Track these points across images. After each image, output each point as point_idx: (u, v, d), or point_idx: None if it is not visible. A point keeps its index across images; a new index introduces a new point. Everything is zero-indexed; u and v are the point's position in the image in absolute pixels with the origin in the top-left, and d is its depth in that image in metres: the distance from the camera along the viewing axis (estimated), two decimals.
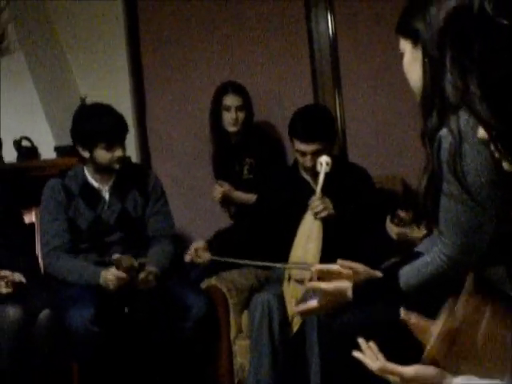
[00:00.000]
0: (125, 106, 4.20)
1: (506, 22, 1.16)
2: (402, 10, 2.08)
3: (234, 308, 3.38)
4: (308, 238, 3.20)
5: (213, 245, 3.29)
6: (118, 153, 3.31)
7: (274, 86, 4.23)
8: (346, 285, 2.16)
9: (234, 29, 4.29)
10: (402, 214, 2.86)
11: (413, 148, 3.88)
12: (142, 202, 3.43)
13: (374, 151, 4.12)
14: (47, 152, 4.03)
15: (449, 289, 1.92)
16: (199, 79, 4.33)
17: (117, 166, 3.34)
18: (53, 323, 3.09)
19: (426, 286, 1.98)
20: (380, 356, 1.68)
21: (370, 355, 1.67)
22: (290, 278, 3.18)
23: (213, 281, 3.42)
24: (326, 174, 3.22)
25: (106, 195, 3.40)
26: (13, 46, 4.03)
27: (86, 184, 3.40)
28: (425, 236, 2.72)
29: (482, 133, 1.35)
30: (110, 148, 3.29)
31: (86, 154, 3.34)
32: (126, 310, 3.28)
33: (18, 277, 3.13)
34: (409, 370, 1.49)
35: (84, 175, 3.41)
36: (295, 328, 3.13)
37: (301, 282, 3.15)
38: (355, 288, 2.13)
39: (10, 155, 3.99)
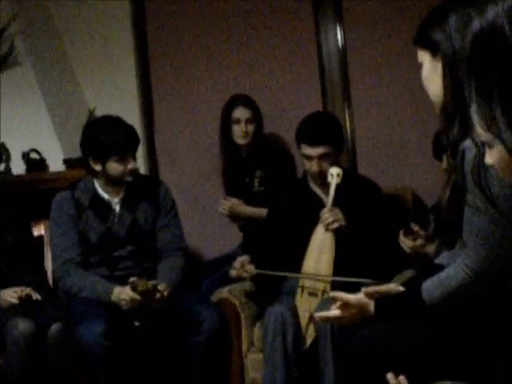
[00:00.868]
0: (133, 118, 4.18)
1: None
2: (420, 21, 2.07)
3: (246, 321, 3.36)
4: (320, 249, 3.19)
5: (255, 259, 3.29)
6: (131, 165, 3.29)
7: (283, 99, 4.22)
8: (368, 300, 2.14)
9: (243, 41, 4.29)
10: (415, 227, 2.85)
11: (423, 160, 3.88)
12: (153, 213, 3.41)
13: (383, 163, 4.11)
14: (56, 164, 4.02)
15: (475, 302, 1.92)
16: (208, 92, 4.32)
17: (129, 179, 3.32)
18: (63, 337, 3.07)
19: (450, 298, 1.96)
20: None
21: None
22: (303, 291, 3.16)
23: (224, 294, 3.40)
24: (337, 186, 3.21)
25: (117, 207, 3.38)
26: (21, 59, 4.03)
27: (96, 196, 3.37)
28: (436, 249, 2.72)
29: (488, 159, 1.35)
30: (122, 160, 3.27)
31: (98, 167, 3.31)
32: (137, 323, 3.25)
33: (30, 292, 3.13)
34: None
35: (94, 187, 3.38)
36: (309, 341, 3.11)
37: (314, 294, 3.14)
38: (378, 302, 2.11)
39: (19, 167, 3.98)
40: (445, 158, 3.21)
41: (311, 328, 3.10)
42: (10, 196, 3.62)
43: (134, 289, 3.08)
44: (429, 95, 2.09)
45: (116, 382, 3.10)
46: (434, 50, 2.00)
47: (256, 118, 3.91)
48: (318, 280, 3.16)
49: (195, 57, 4.35)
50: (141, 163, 4.18)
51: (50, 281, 3.50)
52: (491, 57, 1.20)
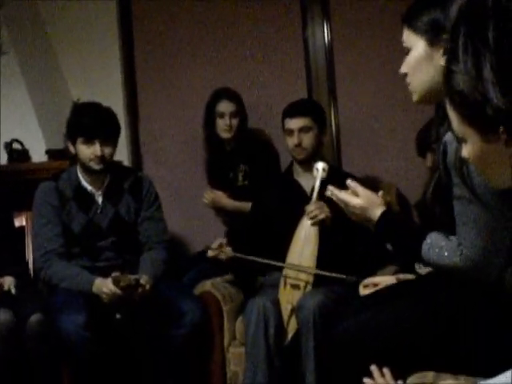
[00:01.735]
0: (117, 111, 4.11)
1: None
2: (413, 2, 1.98)
3: (228, 314, 3.35)
4: (304, 242, 3.19)
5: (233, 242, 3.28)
6: (99, 151, 3.22)
7: (268, 94, 4.22)
8: (379, 201, 2.08)
9: (228, 36, 4.28)
10: None
11: (407, 157, 3.90)
12: (136, 206, 3.39)
13: (367, 160, 4.12)
14: (38, 155, 4.00)
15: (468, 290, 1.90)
16: (193, 86, 4.31)
17: (96, 166, 3.26)
18: (43, 327, 3.03)
19: (441, 270, 1.93)
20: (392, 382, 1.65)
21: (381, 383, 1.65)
22: (285, 284, 3.16)
23: (207, 287, 3.39)
24: (322, 181, 3.21)
25: (99, 199, 3.36)
26: (5, 49, 3.99)
27: (80, 187, 3.34)
28: None
29: (464, 153, 1.35)
30: (89, 143, 3.23)
31: (72, 149, 3.30)
32: (118, 316, 3.23)
33: (8, 283, 3.10)
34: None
35: (78, 178, 3.36)
36: (290, 334, 3.10)
37: (297, 287, 3.14)
38: (384, 214, 2.04)
39: (1, 158, 3.96)
40: (429, 155, 3.23)
41: (293, 321, 3.09)
42: None
43: (116, 283, 3.06)
44: (411, 82, 2.00)
45: (98, 374, 3.08)
46: (433, 37, 1.92)
47: (240, 112, 3.91)
48: (299, 271, 3.16)
49: (180, 51, 4.34)
50: (125, 156, 4.17)
51: (31, 271, 3.48)
52: (478, 15, 1.20)
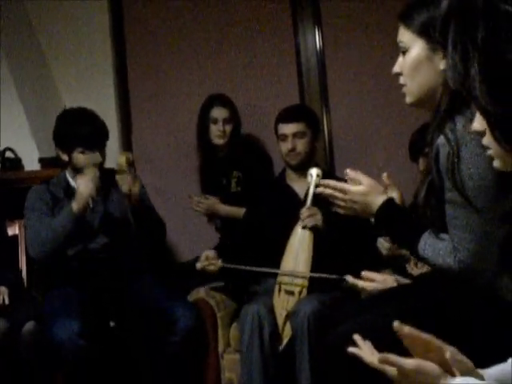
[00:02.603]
0: (110, 118, 4.16)
1: (510, 9, 1.16)
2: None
3: (222, 321, 3.34)
4: (299, 248, 3.19)
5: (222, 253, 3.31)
6: (96, 158, 3.26)
7: (261, 100, 4.22)
8: (382, 189, 2.06)
9: (220, 42, 4.29)
10: None
11: (400, 161, 3.90)
12: (124, 201, 3.37)
13: (361, 165, 4.10)
14: (31, 163, 3.99)
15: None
16: (185, 92, 4.31)
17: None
18: (37, 336, 3.03)
19: (435, 268, 1.93)
20: (376, 352, 1.64)
21: (366, 351, 1.63)
22: (280, 290, 3.16)
23: (201, 294, 3.38)
24: (316, 186, 3.21)
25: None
26: None
27: (69, 187, 3.37)
28: None
29: (476, 126, 1.35)
30: (87, 152, 3.27)
31: (65, 157, 3.33)
32: (112, 323, 3.23)
33: (2, 293, 3.09)
34: (410, 362, 1.42)
35: (66, 179, 3.41)
36: (285, 340, 3.10)
37: (291, 293, 3.14)
38: (387, 202, 2.02)
39: None
40: (421, 159, 3.23)
41: (288, 327, 3.09)
42: None
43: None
44: (404, 83, 1.97)
45: (92, 381, 3.07)
46: (434, 40, 1.82)
47: (234, 117, 3.91)
48: (292, 276, 3.16)
49: (173, 56, 4.34)
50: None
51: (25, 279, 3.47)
52: (468, 13, 1.20)
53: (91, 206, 3.19)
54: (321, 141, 3.88)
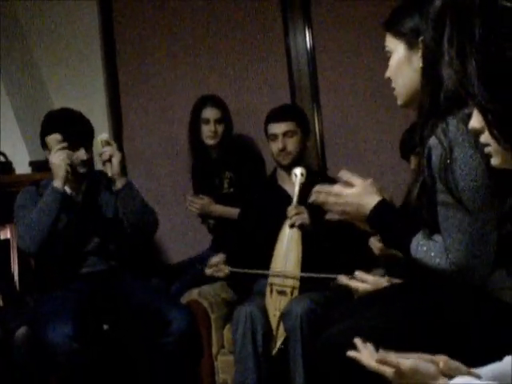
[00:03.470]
0: (101, 120, 4.17)
1: (509, 5, 1.16)
2: (395, 8, 2.01)
3: (216, 323, 3.33)
4: (288, 247, 3.19)
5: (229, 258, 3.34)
6: (80, 155, 3.25)
7: (252, 100, 4.22)
8: (375, 190, 2.04)
9: (212, 43, 4.28)
10: None
11: (391, 160, 3.90)
12: (114, 199, 3.36)
13: (351, 164, 4.12)
14: (22, 167, 3.97)
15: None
16: (176, 93, 4.31)
17: (81, 170, 3.29)
18: (30, 340, 3.02)
19: (428, 270, 1.92)
20: (376, 355, 1.63)
21: (366, 354, 1.63)
22: (272, 290, 3.16)
23: (194, 295, 3.38)
24: (303, 185, 3.21)
25: (79, 200, 3.35)
26: None
27: None
28: None
29: (472, 123, 1.34)
30: (69, 149, 3.23)
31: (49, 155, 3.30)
32: (106, 327, 3.23)
33: None
34: (407, 362, 1.42)
35: None
36: (279, 341, 3.10)
37: (283, 293, 3.14)
38: (380, 202, 2.01)
39: None
40: (412, 158, 3.23)
41: (281, 327, 3.08)
42: None
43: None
44: (395, 86, 2.03)
45: None
46: (411, 41, 1.94)
47: (225, 118, 3.91)
48: (287, 278, 3.16)
49: (164, 57, 4.33)
50: None
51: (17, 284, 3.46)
52: (465, 9, 1.20)
53: (69, 172, 3.16)
54: (312, 140, 3.88)
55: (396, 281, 2.40)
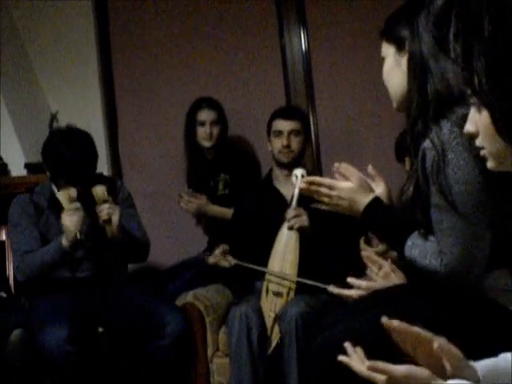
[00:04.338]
0: (96, 122, 4.17)
1: None
2: (389, 15, 2.06)
3: (211, 325, 3.33)
4: (285, 249, 3.19)
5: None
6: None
7: (248, 102, 4.22)
8: (370, 187, 2.05)
9: (207, 44, 4.28)
10: (372, 238, 2.80)
11: (386, 162, 3.90)
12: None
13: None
14: (17, 169, 3.96)
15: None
16: (172, 95, 4.30)
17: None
18: (25, 343, 3.02)
19: (422, 270, 1.92)
20: (366, 361, 1.63)
21: (356, 359, 1.63)
22: (267, 292, 3.16)
23: (189, 298, 3.37)
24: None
25: None
26: None
27: (53, 197, 3.31)
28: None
29: (468, 127, 1.34)
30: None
31: (49, 174, 3.32)
32: (101, 329, 3.22)
33: None
34: (400, 368, 1.41)
35: (51, 189, 3.34)
36: (274, 342, 3.09)
37: (279, 294, 3.13)
38: (374, 200, 2.02)
39: None
40: (407, 160, 3.23)
41: (276, 329, 3.08)
42: None
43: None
44: (388, 90, 2.07)
45: None
46: (400, 45, 1.99)
47: (221, 120, 3.90)
48: (285, 280, 3.16)
49: (159, 59, 4.33)
50: (104, 167, 4.15)
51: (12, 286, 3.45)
52: (473, 5, 1.18)
53: (79, 237, 3.13)
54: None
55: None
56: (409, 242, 1.94)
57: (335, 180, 2.05)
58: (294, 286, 3.14)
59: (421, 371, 1.42)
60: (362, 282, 2.32)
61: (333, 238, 3.25)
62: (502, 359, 1.42)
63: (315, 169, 4.09)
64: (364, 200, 2.02)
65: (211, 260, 3.33)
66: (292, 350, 2.98)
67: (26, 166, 3.94)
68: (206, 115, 3.87)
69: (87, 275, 3.27)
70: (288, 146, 3.43)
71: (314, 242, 3.21)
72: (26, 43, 4.28)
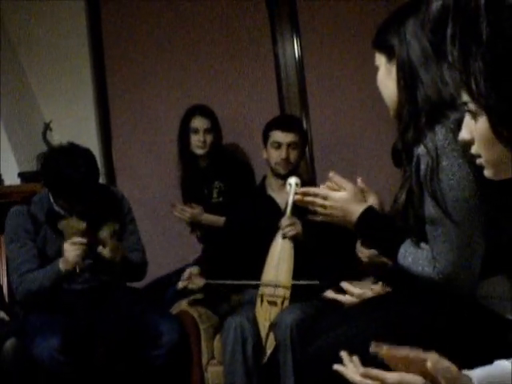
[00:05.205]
0: (90, 131, 4.18)
1: None
2: (379, 25, 2.07)
3: (206, 333, 3.32)
4: (280, 258, 3.18)
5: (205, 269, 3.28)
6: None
7: (241, 110, 4.22)
8: (363, 198, 2.07)
9: (200, 52, 4.29)
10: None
11: (381, 168, 3.90)
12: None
13: (342, 174, 4.10)
14: (11, 178, 3.95)
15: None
16: (165, 103, 4.31)
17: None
18: (18, 352, 3.00)
19: (415, 278, 1.92)
20: (361, 368, 1.63)
21: (351, 368, 1.62)
22: (262, 301, 3.15)
23: (183, 306, 3.36)
24: (296, 195, 3.20)
25: None
26: None
27: (52, 211, 3.27)
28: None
29: (463, 135, 1.34)
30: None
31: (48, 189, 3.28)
32: (96, 340, 3.20)
33: None
34: (393, 376, 1.41)
35: (49, 202, 3.28)
36: (269, 351, 3.09)
37: (273, 303, 3.13)
38: (367, 210, 2.03)
39: None
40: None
41: (271, 338, 3.08)
42: None
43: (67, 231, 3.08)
44: (384, 98, 2.08)
45: None
46: (390, 54, 2.00)
47: (214, 127, 3.91)
48: (278, 287, 3.15)
49: (153, 67, 4.33)
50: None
51: (6, 296, 3.44)
52: (470, 7, 1.18)
53: (77, 271, 3.12)
54: None
55: (388, 289, 2.40)
56: (402, 250, 1.94)
57: (329, 190, 2.06)
58: (288, 294, 3.13)
59: (414, 378, 1.42)
60: (355, 289, 2.31)
61: (327, 247, 3.24)
62: (496, 367, 1.41)
63: (309, 176, 4.10)
64: (358, 209, 2.03)
65: (179, 285, 3.25)
66: (287, 357, 2.98)
67: (20, 175, 3.93)
68: (199, 123, 3.88)
69: (84, 287, 3.26)
70: (287, 159, 3.42)
71: (309, 250, 3.21)
72: (20, 53, 4.28)
